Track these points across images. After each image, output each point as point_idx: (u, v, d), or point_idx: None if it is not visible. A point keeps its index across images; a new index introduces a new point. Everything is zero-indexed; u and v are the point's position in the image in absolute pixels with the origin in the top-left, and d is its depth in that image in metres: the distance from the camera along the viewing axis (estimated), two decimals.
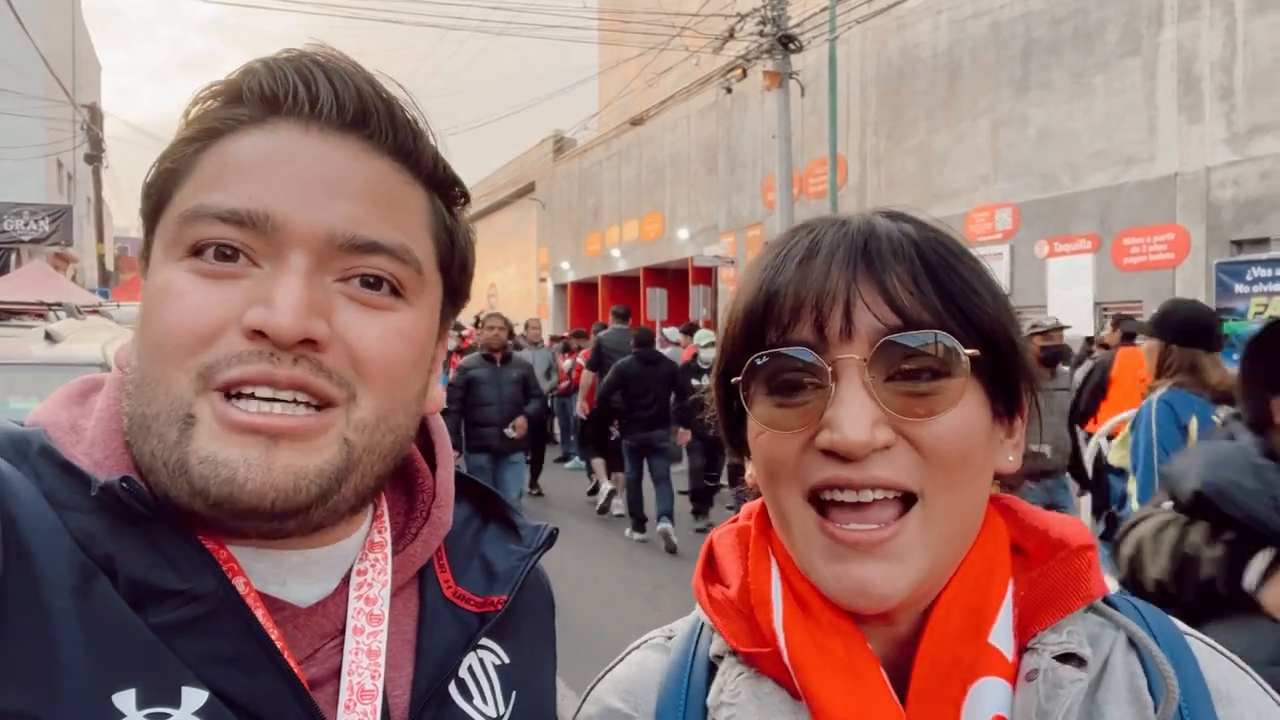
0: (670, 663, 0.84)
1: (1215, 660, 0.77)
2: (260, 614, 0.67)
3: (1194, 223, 12.62)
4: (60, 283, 14.71)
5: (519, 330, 13.25)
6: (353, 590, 0.74)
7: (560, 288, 34.61)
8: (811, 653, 0.74)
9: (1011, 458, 0.77)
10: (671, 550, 8.66)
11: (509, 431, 7.72)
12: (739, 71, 16.57)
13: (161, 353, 0.66)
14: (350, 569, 0.76)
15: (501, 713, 0.80)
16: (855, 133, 18.59)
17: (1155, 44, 13.20)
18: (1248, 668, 0.77)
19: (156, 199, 0.72)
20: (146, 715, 0.61)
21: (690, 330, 12.65)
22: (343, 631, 0.73)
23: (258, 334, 0.64)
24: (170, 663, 0.63)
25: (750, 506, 0.87)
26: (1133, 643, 0.76)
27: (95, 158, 24.71)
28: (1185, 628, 0.79)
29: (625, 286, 29.99)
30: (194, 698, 0.63)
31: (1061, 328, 6.12)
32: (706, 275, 24.11)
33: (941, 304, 0.71)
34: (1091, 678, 0.73)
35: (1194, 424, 3.70)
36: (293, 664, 0.67)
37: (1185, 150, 12.77)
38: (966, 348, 0.70)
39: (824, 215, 0.79)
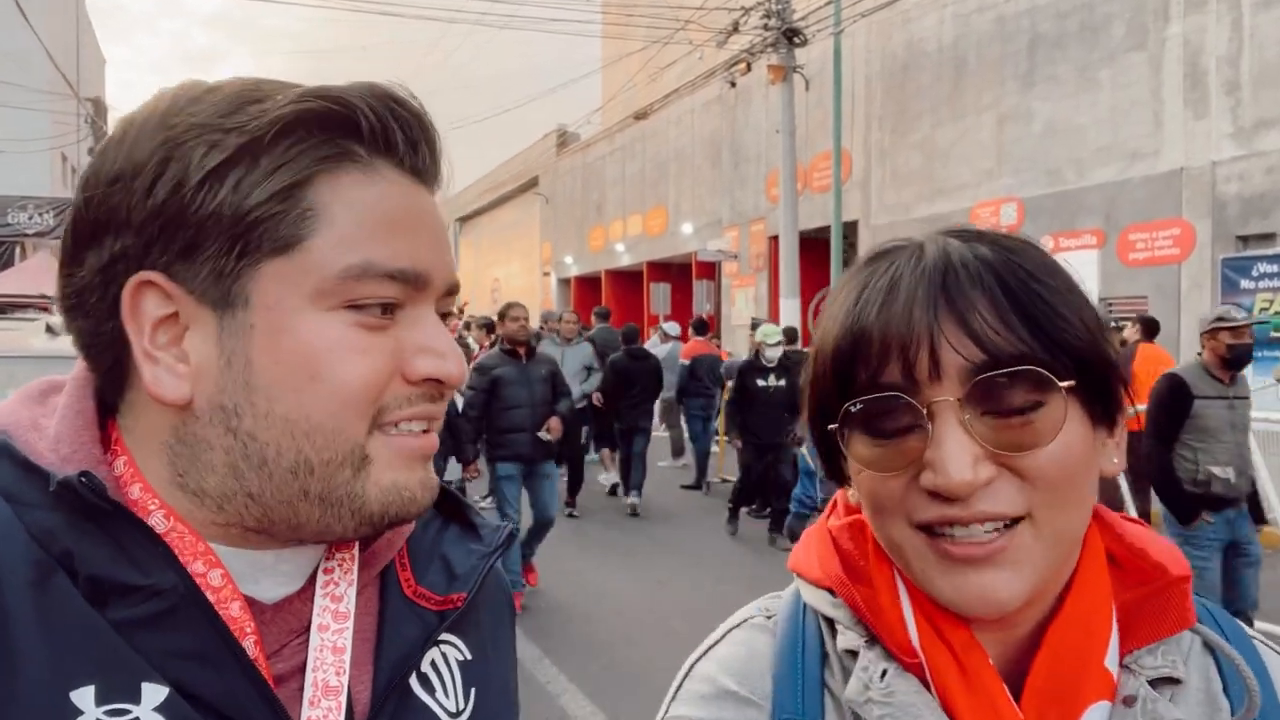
0: (779, 646, 0.83)
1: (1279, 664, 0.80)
2: (237, 607, 0.68)
3: (1200, 218, 12.59)
4: None
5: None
6: (319, 588, 0.75)
7: (564, 282, 34.63)
8: (950, 670, 0.75)
9: (1116, 460, 0.77)
10: (634, 514, 10.00)
11: (543, 435, 6.83)
12: (743, 65, 16.54)
13: (347, 407, 0.69)
14: (315, 568, 0.77)
15: (462, 708, 0.81)
16: (860, 127, 18.55)
17: (1161, 38, 13.15)
18: None
19: (270, 242, 0.67)
20: (105, 712, 0.61)
21: (702, 327, 12.80)
22: (308, 629, 0.74)
23: (429, 380, 0.72)
24: (130, 659, 0.63)
25: (850, 499, 0.87)
26: (1207, 645, 0.78)
27: None
28: (1252, 632, 0.82)
29: (629, 281, 30.00)
30: (154, 694, 0.63)
31: (1255, 322, 5.21)
32: (710, 270, 24.10)
33: (1030, 333, 0.70)
34: (1185, 692, 0.76)
35: None
36: (261, 660, 0.68)
37: (1191, 145, 12.73)
38: (1060, 374, 0.70)
39: (897, 240, 0.79)
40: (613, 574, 7.90)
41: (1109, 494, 4.87)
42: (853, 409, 0.73)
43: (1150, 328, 8.62)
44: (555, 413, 6.90)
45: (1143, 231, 13.31)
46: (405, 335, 0.71)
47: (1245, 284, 11.32)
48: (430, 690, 0.79)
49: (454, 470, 7.23)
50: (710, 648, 0.87)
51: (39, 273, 13.78)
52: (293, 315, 0.68)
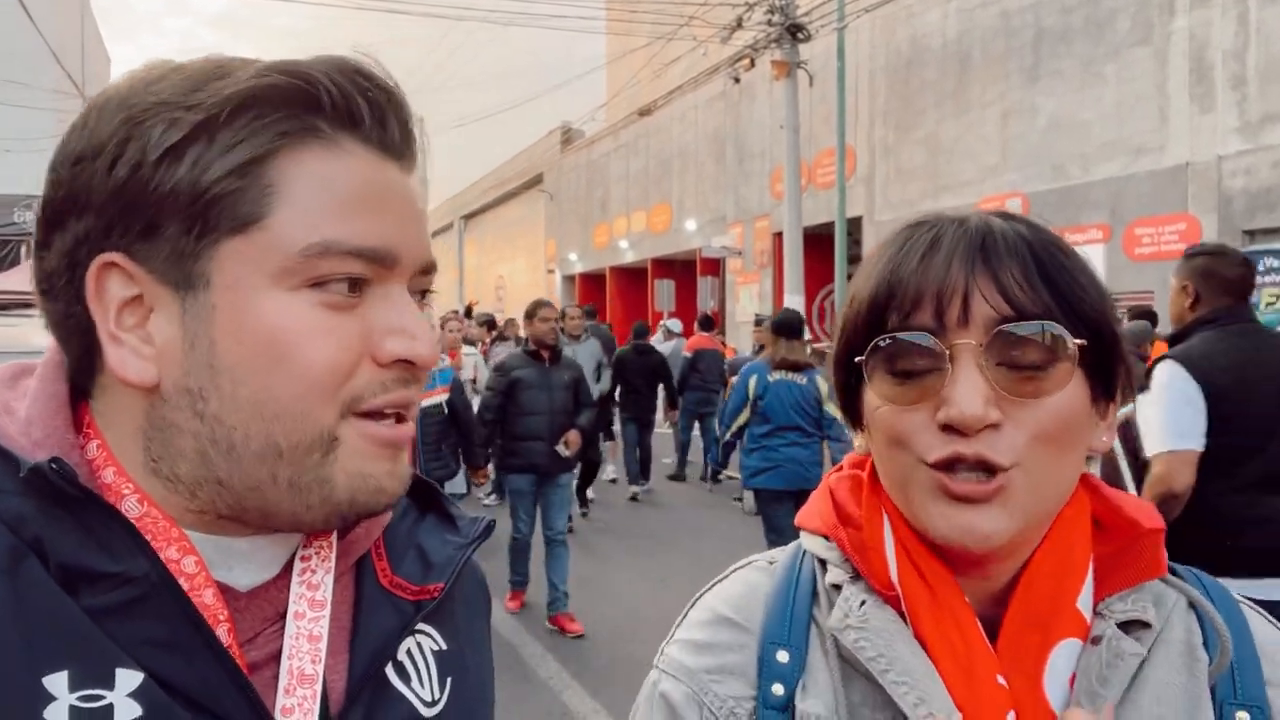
0: (775, 584, 0.92)
1: (1263, 625, 0.86)
2: (210, 594, 0.67)
3: (1206, 212, 12.55)
4: None
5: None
6: (296, 576, 0.75)
7: (568, 279, 34.63)
8: (923, 601, 0.82)
9: (1105, 438, 0.85)
10: (634, 499, 10.55)
11: (560, 449, 6.25)
12: (747, 61, 16.52)
13: (312, 389, 0.67)
14: (292, 556, 0.76)
15: (437, 697, 0.80)
16: (864, 123, 18.52)
17: (1167, 32, 13.10)
18: None
19: (228, 219, 0.66)
20: (79, 697, 0.61)
21: (707, 323, 12.87)
22: (283, 616, 0.73)
23: (401, 362, 0.70)
24: (103, 645, 0.62)
25: (855, 457, 0.96)
26: (1192, 604, 0.85)
27: None
28: (1238, 595, 0.88)
29: (633, 278, 29.99)
30: (129, 680, 0.62)
31: None
32: (714, 266, 24.08)
33: (1051, 297, 0.78)
34: (1154, 635, 0.82)
35: (753, 381, 6.04)
36: (234, 647, 0.67)
37: (1197, 140, 12.69)
38: (1074, 337, 0.78)
39: (941, 212, 0.87)
40: (615, 569, 7.91)
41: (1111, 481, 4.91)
42: (881, 343, 0.81)
43: (1150, 321, 8.62)
44: (575, 425, 6.35)
45: (1149, 226, 13.28)
46: (374, 315, 0.69)
47: None
48: (406, 679, 0.79)
49: (458, 484, 7.02)
50: (715, 584, 0.97)
51: None
52: (254, 295, 0.66)
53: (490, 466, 6.88)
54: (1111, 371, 0.83)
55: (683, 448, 12.14)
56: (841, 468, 0.97)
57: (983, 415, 0.76)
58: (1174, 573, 0.88)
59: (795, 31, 15.17)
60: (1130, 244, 13.52)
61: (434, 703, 0.80)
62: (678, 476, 12.02)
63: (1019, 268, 0.79)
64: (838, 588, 0.88)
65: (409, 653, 0.80)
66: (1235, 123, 12.26)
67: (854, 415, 0.90)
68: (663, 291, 21.16)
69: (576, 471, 7.63)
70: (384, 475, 0.71)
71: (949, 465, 0.78)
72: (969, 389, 0.76)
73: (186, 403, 0.67)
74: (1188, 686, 0.80)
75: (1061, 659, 0.80)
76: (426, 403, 5.78)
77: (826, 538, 0.92)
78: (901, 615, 0.83)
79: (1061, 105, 14.53)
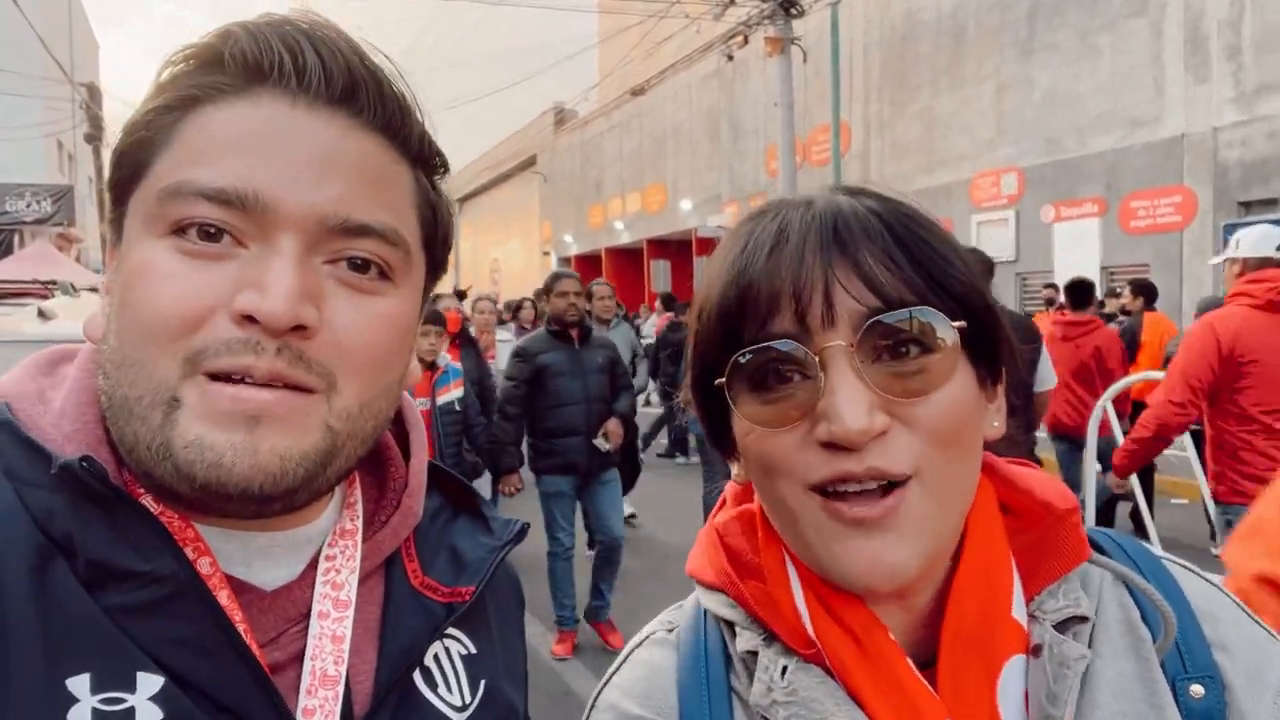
0: (682, 657, 0.81)
1: (1191, 580, 0.79)
2: (225, 595, 0.66)
3: (1201, 184, 12.52)
4: (62, 263, 14.72)
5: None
6: (320, 575, 0.73)
7: (564, 261, 34.54)
8: (848, 654, 0.73)
9: (996, 424, 0.77)
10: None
11: (599, 443, 5.35)
12: (740, 38, 16.40)
13: (147, 337, 0.64)
14: (317, 553, 0.75)
15: (468, 701, 0.79)
16: (859, 98, 18.42)
17: (1162, 2, 13.02)
18: (1216, 581, 0.80)
19: (130, 169, 0.68)
20: (101, 700, 0.60)
21: (669, 301, 12.87)
22: (307, 616, 0.72)
23: (248, 319, 0.63)
24: (126, 648, 0.62)
25: (736, 489, 0.86)
26: (1119, 577, 0.78)
27: (95, 137, 24.60)
28: (1160, 552, 0.81)
29: (628, 259, 29.93)
30: (149, 683, 0.62)
31: None
32: (709, 246, 23.98)
33: (920, 278, 0.70)
34: (1091, 626, 0.75)
35: None
36: (254, 648, 0.66)
37: (1192, 111, 12.64)
38: (951, 319, 0.70)
39: (782, 198, 0.78)
40: (657, 579, 7.89)
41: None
42: (741, 360, 0.71)
43: (1150, 294, 8.61)
44: (614, 412, 5.42)
45: (1144, 199, 13.25)
46: (243, 271, 0.64)
47: None
48: (433, 685, 0.77)
49: (482, 489, 6.61)
50: (612, 674, 0.85)
51: (39, 260, 13.77)
52: (132, 245, 0.66)
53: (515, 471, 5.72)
54: (995, 350, 0.74)
55: (657, 422, 11.60)
56: (724, 503, 0.87)
57: (868, 426, 0.66)
58: (1092, 544, 0.79)
59: (788, 7, 15.05)
60: (1126, 217, 13.50)
61: (464, 707, 0.78)
62: (670, 455, 11.95)
63: (879, 250, 0.70)
64: (754, 653, 0.78)
65: (436, 658, 0.79)
66: (1231, 93, 12.21)
67: (725, 446, 0.79)
68: (659, 272, 21.12)
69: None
70: (227, 448, 0.62)
71: (835, 487, 0.69)
72: (849, 398, 0.67)
73: (102, 357, 0.68)
74: (1139, 673, 0.73)
75: (1012, 681, 0.72)
76: (442, 399, 5.48)
77: (725, 592, 0.81)
78: (828, 671, 0.74)
79: (1057, 78, 14.46)
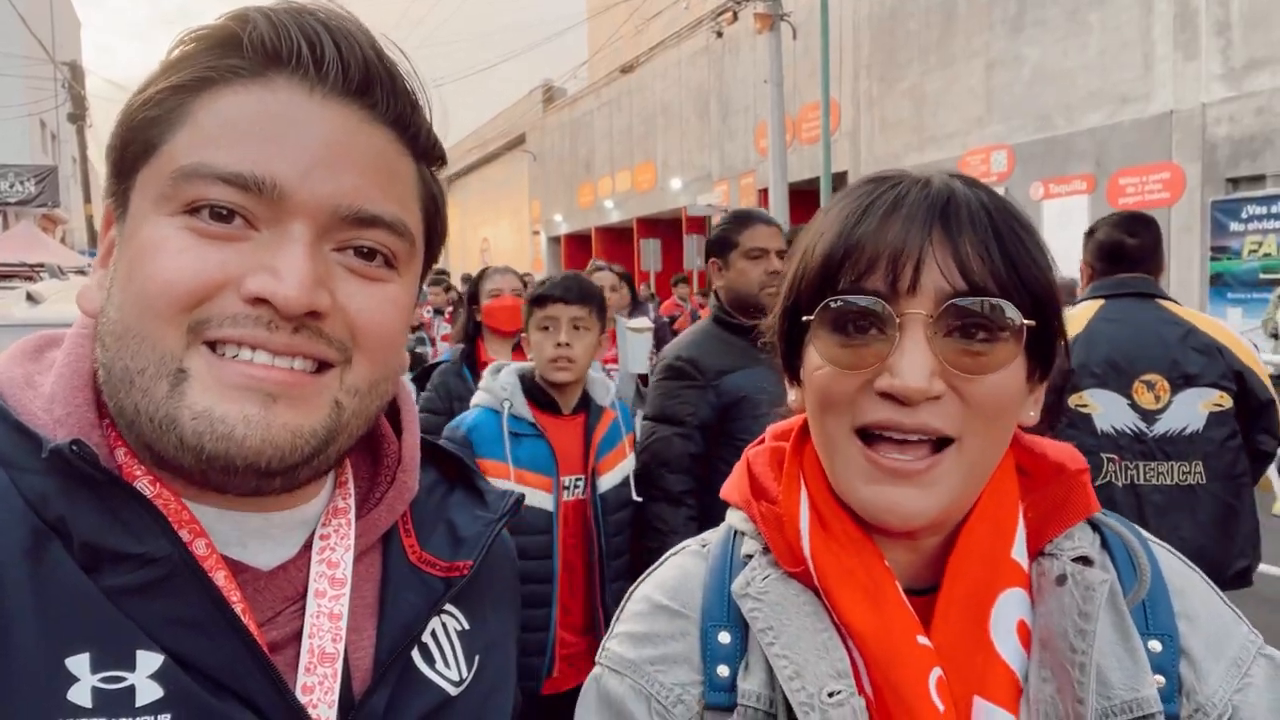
0: (710, 566, 0.91)
1: (1170, 559, 0.89)
2: (222, 576, 0.67)
3: (1190, 161, 12.54)
4: (48, 245, 14.60)
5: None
6: (315, 554, 0.74)
7: (554, 241, 34.43)
8: (835, 570, 0.81)
9: (1032, 413, 0.85)
10: None
11: None
12: (729, 15, 16.30)
13: (152, 307, 0.64)
14: (312, 533, 0.76)
15: (464, 676, 0.80)
16: (848, 76, 18.35)
17: None
18: (1194, 566, 0.90)
19: (139, 146, 0.68)
20: (101, 679, 0.61)
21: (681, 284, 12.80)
22: (304, 595, 0.73)
23: (260, 301, 0.64)
24: (124, 627, 0.62)
25: (778, 428, 0.95)
26: (1104, 543, 0.87)
27: (78, 116, 24.35)
28: (1145, 534, 0.90)
29: (618, 238, 29.84)
30: (149, 661, 0.63)
31: None
32: (700, 225, 23.97)
33: (1006, 271, 0.77)
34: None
35: None
36: (252, 626, 0.67)
37: (1181, 87, 12.64)
38: (1023, 315, 0.77)
39: (905, 170, 0.84)
40: None
41: None
42: (832, 304, 0.79)
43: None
44: None
45: (1133, 176, 13.27)
46: (255, 253, 0.65)
47: (1235, 226, 11.33)
48: (430, 661, 0.78)
49: None
50: (650, 573, 0.96)
51: (25, 242, 13.64)
52: (141, 221, 0.67)
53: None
54: (1050, 351, 0.83)
55: None
56: (763, 440, 0.96)
57: (926, 388, 0.75)
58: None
59: None
60: (1114, 194, 13.52)
61: (460, 681, 0.80)
62: None
63: (978, 238, 0.77)
64: (750, 557, 0.89)
65: (434, 633, 0.80)
66: (1219, 69, 12.21)
67: (792, 370, 0.88)
68: (649, 251, 21.07)
69: None
70: (239, 420, 0.64)
71: (879, 434, 0.77)
72: (915, 360, 0.75)
73: (103, 331, 0.69)
74: (1116, 620, 0.82)
75: (1007, 608, 0.80)
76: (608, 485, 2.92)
77: (744, 511, 0.92)
78: (812, 591, 0.83)
79: (1046, 55, 14.43)
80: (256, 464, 0.65)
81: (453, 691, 0.79)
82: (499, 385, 2.60)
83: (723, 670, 0.84)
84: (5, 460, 0.64)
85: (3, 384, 0.70)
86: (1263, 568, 3.04)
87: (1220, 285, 11.50)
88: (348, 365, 0.69)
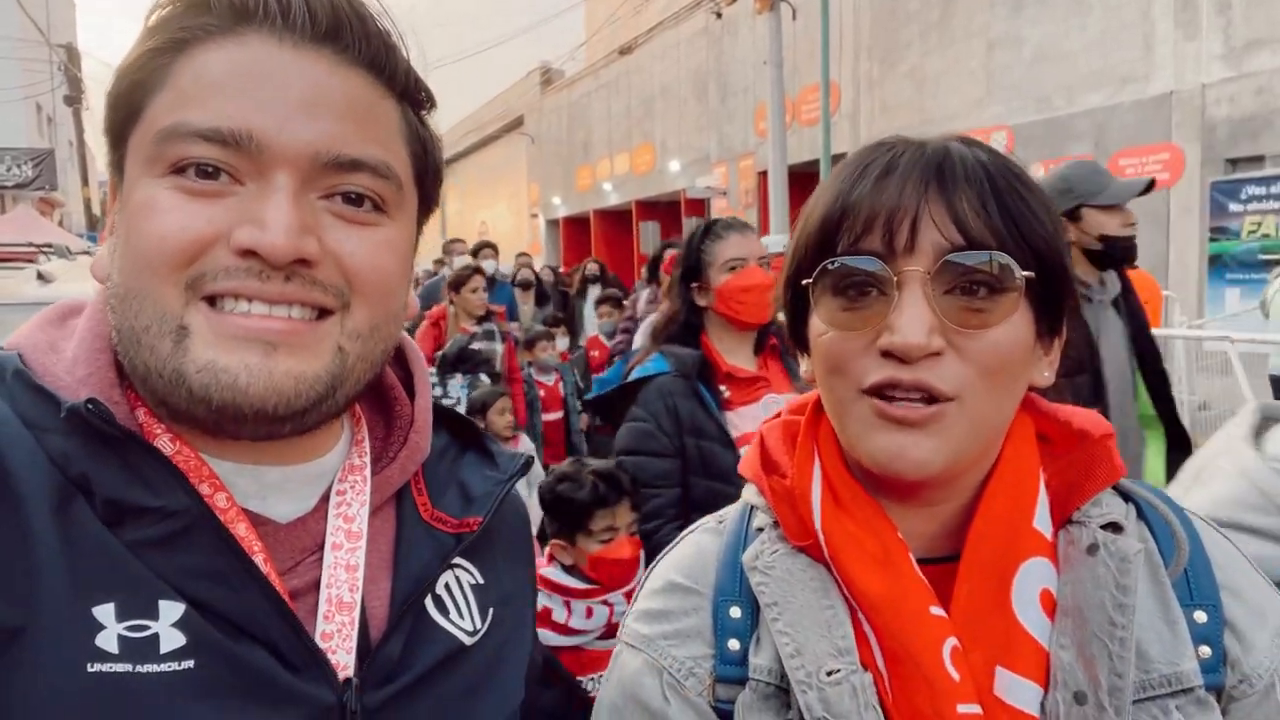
0: (724, 543, 0.92)
1: (1208, 530, 0.88)
2: (243, 527, 0.70)
3: (1189, 141, 12.51)
4: (46, 228, 14.53)
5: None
6: (331, 509, 0.77)
7: (552, 224, 34.32)
8: (846, 541, 0.82)
9: (1047, 374, 0.85)
10: None
11: None
12: None
13: (148, 266, 0.66)
14: (329, 488, 0.78)
15: (479, 627, 0.83)
16: (848, 57, 18.25)
17: None
18: (1228, 535, 0.89)
19: (125, 111, 0.70)
20: (126, 627, 0.64)
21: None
22: (322, 547, 0.76)
23: (249, 253, 0.66)
24: (146, 578, 0.65)
25: (795, 403, 0.96)
26: (1140, 513, 0.86)
27: (75, 99, 24.21)
28: (1180, 503, 0.89)
29: (617, 221, 29.75)
30: (171, 610, 0.65)
31: None
32: (699, 207, 23.91)
33: (1004, 226, 0.77)
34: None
35: None
36: (272, 575, 0.69)
37: (1181, 67, 12.58)
38: (1023, 269, 0.77)
39: (902, 136, 0.85)
40: None
41: None
42: (830, 266, 0.80)
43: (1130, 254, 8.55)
44: None
45: (1133, 157, 13.23)
46: (241, 206, 0.67)
47: (1234, 207, 11.30)
48: (444, 612, 0.81)
49: None
50: (668, 550, 0.98)
51: (25, 223, 13.60)
52: (134, 185, 0.69)
53: None
54: (1059, 306, 0.82)
55: None
56: (780, 414, 0.97)
57: (925, 344, 0.75)
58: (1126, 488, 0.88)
59: None
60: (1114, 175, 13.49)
61: (475, 632, 0.83)
62: None
63: (974, 194, 0.77)
64: (761, 530, 0.90)
65: (447, 587, 0.83)
66: (1220, 50, 12.15)
67: (801, 340, 0.89)
68: (648, 234, 21.03)
69: None
70: (241, 370, 0.66)
71: (884, 391, 0.77)
72: (913, 317, 0.75)
73: (110, 294, 0.71)
74: (1155, 591, 0.81)
75: (1030, 577, 0.79)
76: None
77: (756, 485, 0.93)
78: (821, 565, 0.84)
79: (1047, 35, 14.35)
80: (264, 410, 0.67)
81: (467, 641, 0.81)
82: None
83: (734, 644, 0.85)
84: (29, 421, 0.67)
85: (26, 349, 0.72)
86: None
87: (1219, 266, 11.49)
88: (347, 311, 0.71)
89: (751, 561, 0.86)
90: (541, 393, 5.71)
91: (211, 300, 0.67)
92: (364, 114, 0.71)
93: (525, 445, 4.51)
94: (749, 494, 0.95)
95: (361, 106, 0.71)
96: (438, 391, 4.19)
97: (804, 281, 0.82)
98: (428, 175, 0.80)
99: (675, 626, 0.89)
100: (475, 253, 9.07)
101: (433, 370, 4.42)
